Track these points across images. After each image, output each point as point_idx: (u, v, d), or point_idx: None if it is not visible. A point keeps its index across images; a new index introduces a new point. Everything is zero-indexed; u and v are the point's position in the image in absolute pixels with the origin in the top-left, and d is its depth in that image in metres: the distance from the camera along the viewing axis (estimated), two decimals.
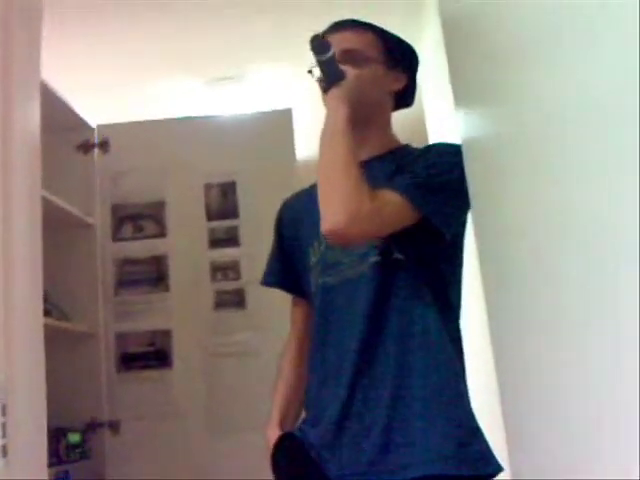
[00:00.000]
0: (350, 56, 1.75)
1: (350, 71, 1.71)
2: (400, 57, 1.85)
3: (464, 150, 1.53)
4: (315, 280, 1.75)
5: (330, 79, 1.70)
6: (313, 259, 1.76)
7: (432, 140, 4.08)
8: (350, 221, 1.52)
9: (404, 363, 1.59)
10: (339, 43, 1.74)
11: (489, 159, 1.35)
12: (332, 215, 1.54)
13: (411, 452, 1.52)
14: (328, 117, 1.68)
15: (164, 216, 3.34)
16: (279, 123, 3.39)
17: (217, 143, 3.41)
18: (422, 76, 3.94)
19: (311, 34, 1.72)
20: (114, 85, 4.33)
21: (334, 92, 1.69)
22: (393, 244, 1.64)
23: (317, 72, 1.75)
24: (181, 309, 3.26)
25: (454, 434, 1.53)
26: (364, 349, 1.61)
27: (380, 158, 1.77)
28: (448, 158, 1.63)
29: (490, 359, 1.38)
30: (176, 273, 3.29)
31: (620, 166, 0.73)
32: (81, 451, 2.98)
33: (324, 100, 1.74)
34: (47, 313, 2.85)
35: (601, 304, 0.82)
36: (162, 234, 3.33)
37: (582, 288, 0.87)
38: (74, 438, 2.95)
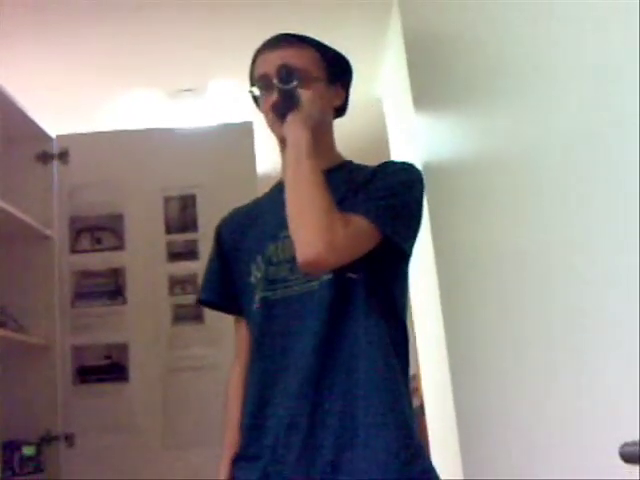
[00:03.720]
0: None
1: (304, 94, 1.68)
2: (339, 72, 1.82)
3: (424, 171, 1.55)
4: (255, 296, 1.69)
5: (288, 106, 1.67)
6: (257, 274, 1.70)
7: (395, 157, 4.10)
8: (326, 251, 1.49)
9: (350, 387, 1.55)
10: (280, 61, 1.71)
11: (448, 180, 1.36)
12: (307, 246, 1.50)
13: (356, 474, 1.49)
14: (292, 144, 1.63)
15: (123, 228, 3.32)
16: (240, 136, 3.38)
17: (178, 155, 3.40)
18: (384, 94, 3.99)
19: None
20: (75, 97, 4.30)
21: (294, 118, 1.66)
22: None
23: (256, 91, 1.75)
24: (138, 322, 3.23)
25: (398, 454, 1.51)
26: (314, 368, 1.56)
27: (330, 172, 1.70)
28: (405, 176, 1.64)
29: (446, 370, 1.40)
30: (134, 286, 3.27)
31: (578, 193, 0.75)
32: (35, 464, 2.95)
33: (270, 121, 1.73)
34: (2, 325, 2.83)
35: (556, 327, 0.83)
36: (120, 247, 3.31)
37: (540, 313, 0.89)
38: (29, 451, 2.91)
